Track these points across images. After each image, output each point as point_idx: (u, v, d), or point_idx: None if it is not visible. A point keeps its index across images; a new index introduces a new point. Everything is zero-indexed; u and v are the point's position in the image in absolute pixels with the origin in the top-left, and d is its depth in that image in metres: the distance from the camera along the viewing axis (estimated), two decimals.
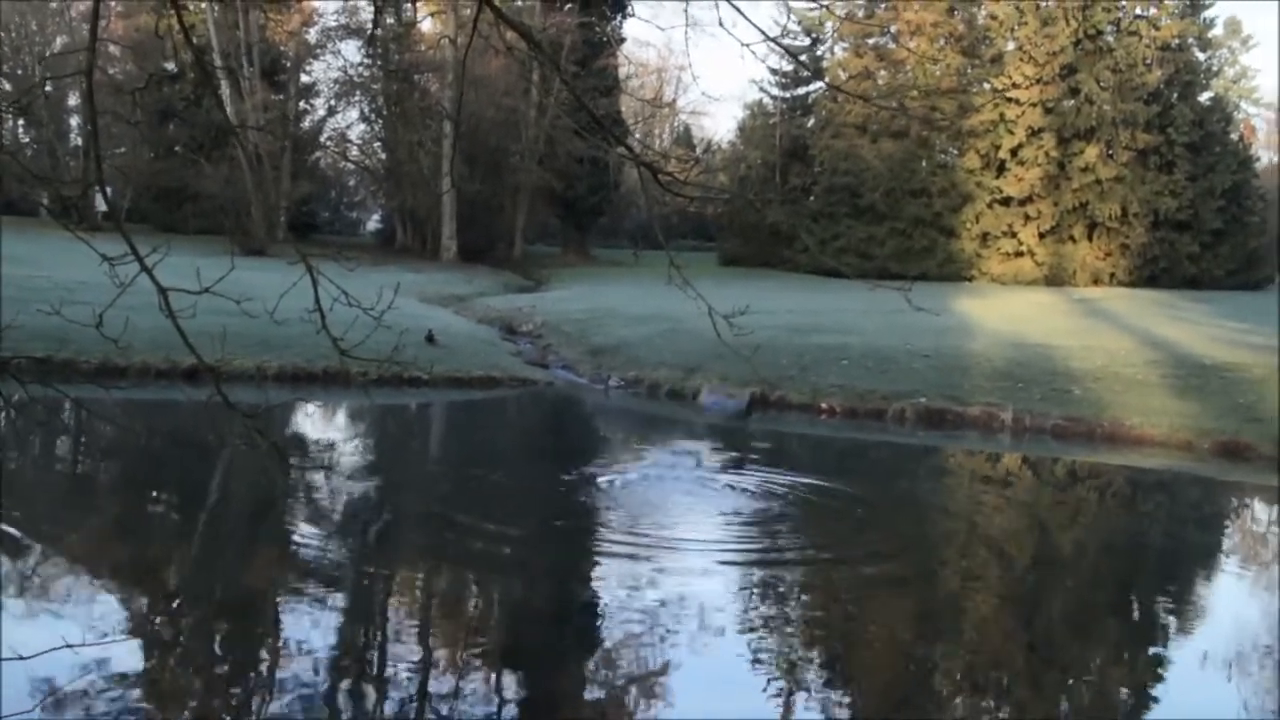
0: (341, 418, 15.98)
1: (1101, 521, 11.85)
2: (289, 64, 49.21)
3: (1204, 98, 46.54)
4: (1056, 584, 8.81)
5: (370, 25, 45.73)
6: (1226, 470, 13.67)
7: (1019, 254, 45.15)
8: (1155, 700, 6.39)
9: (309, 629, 6.68)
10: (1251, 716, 6.15)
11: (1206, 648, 7.13)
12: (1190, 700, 6.36)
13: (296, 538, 8.83)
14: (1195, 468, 13.80)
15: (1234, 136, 47.29)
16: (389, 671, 6.25)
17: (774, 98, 53.48)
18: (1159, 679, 6.72)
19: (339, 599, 7.35)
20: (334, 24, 49.72)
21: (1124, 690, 6.57)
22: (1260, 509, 12.91)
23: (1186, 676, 6.72)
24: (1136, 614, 8.17)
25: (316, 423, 15.40)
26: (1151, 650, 7.27)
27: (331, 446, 13.50)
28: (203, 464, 11.62)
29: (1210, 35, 49.47)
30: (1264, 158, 68.72)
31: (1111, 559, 9.88)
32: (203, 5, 45.00)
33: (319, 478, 11.02)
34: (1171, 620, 7.97)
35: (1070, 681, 6.62)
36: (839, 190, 47.23)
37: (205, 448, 12.03)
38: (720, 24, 3.90)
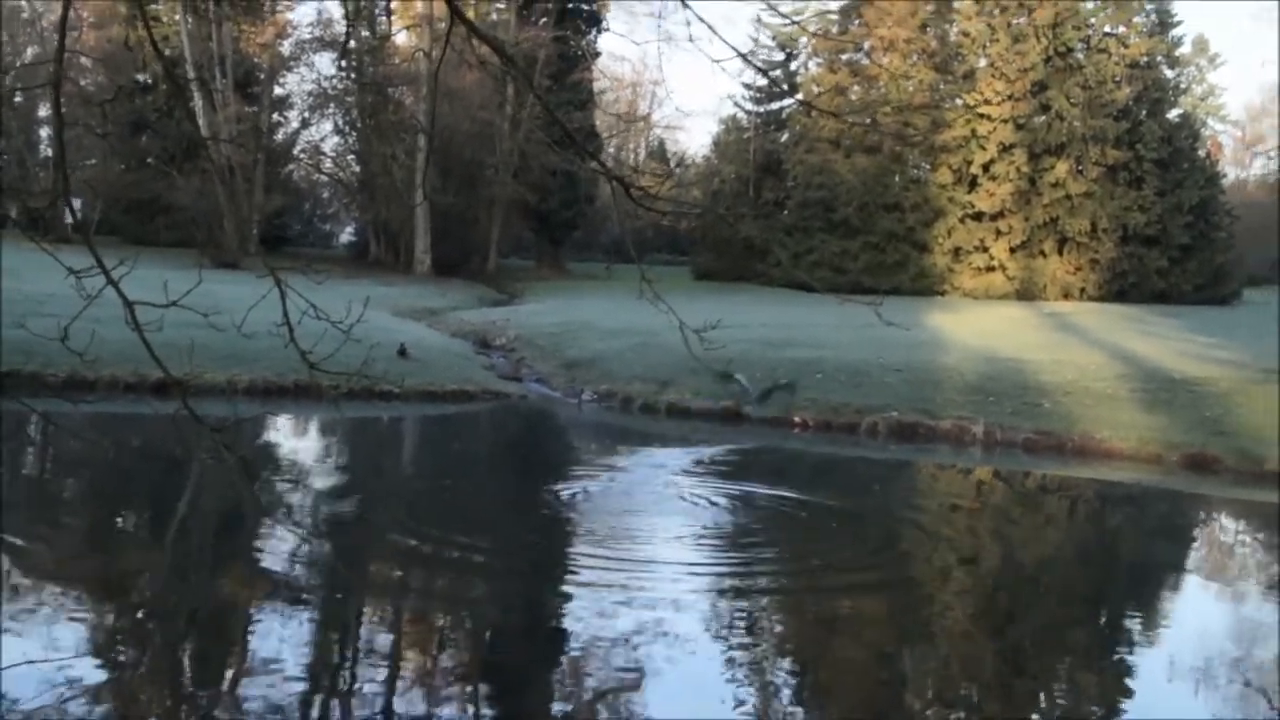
0: (311, 432, 15.90)
1: (1071, 535, 11.93)
2: (263, 76, 49.03)
3: (1172, 115, 47.08)
4: (1027, 596, 8.86)
5: (344, 38, 45.59)
6: (1194, 483, 13.79)
7: (990, 269, 45.47)
8: (1124, 710, 6.43)
9: (274, 646, 6.61)
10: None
11: (1174, 657, 7.18)
12: (1159, 709, 6.40)
13: (262, 554, 8.75)
14: (1164, 481, 13.92)
15: (1201, 153, 47.84)
16: (354, 687, 6.20)
17: (748, 112, 53.72)
18: (1128, 689, 6.76)
19: (304, 616, 7.28)
20: (308, 36, 49.64)
21: (1094, 702, 6.60)
22: (1228, 522, 13.03)
23: (1155, 686, 6.77)
24: (1105, 626, 8.22)
25: (285, 437, 15.31)
26: (1120, 660, 7.31)
27: (300, 461, 13.41)
28: (169, 479, 11.51)
29: (1178, 53, 50.10)
30: (1230, 174, 69.62)
31: (1081, 572, 9.95)
32: (176, 17, 44.81)
33: (286, 492, 10.92)
34: (1140, 631, 8.02)
35: (1042, 694, 6.66)
36: (812, 204, 47.43)
37: (173, 462, 11.93)
38: (691, 40, 3.92)
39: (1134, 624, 8.30)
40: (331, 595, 7.88)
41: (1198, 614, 8.53)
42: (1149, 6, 46.72)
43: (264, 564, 8.43)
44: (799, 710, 6.29)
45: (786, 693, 6.47)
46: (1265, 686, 6.79)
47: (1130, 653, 7.51)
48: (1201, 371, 18.89)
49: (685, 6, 4.05)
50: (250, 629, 7.06)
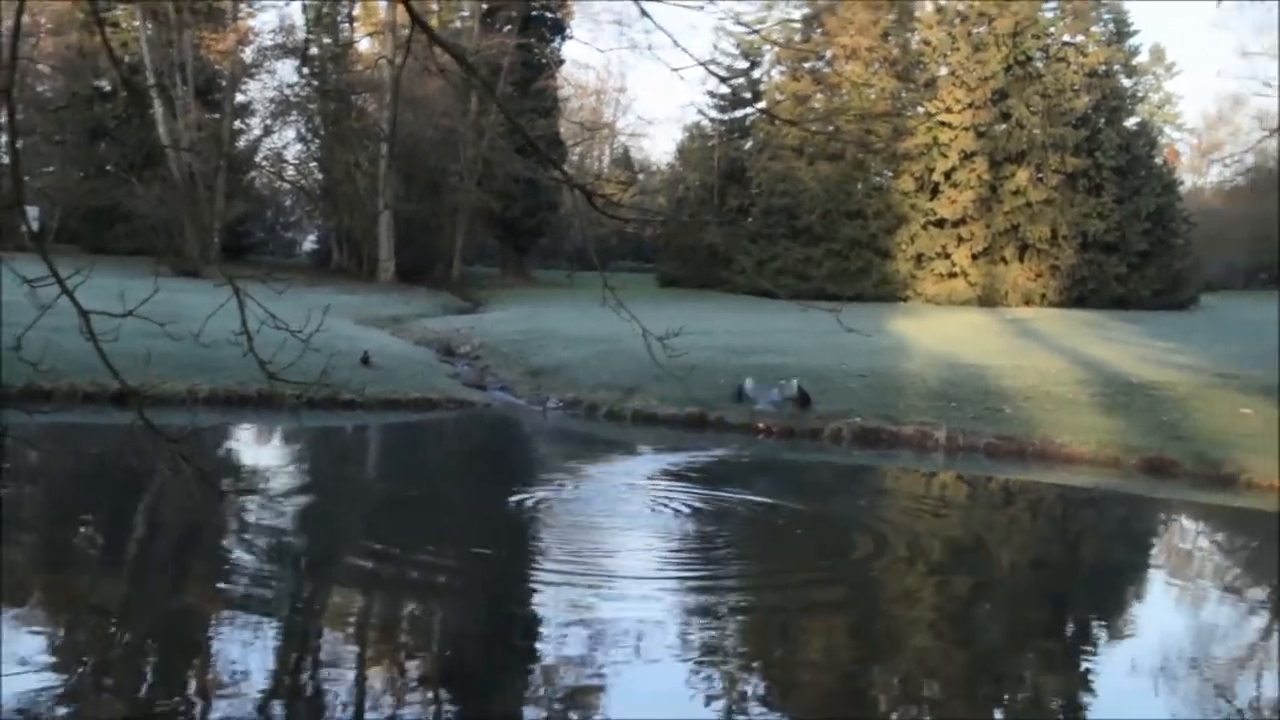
0: (272, 442, 15.77)
1: (1032, 538, 12.04)
2: (224, 83, 48.64)
3: (1130, 123, 47.70)
4: (990, 599, 8.92)
5: (304, 44, 45.33)
6: (1153, 487, 13.95)
7: (952, 275, 45.83)
8: (1086, 708, 6.50)
9: (235, 658, 6.55)
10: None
11: (1134, 658, 7.26)
12: (1121, 708, 6.47)
13: (222, 565, 8.65)
14: (1122, 484, 14.08)
15: (1159, 161, 48.52)
16: (307, 702, 6.16)
17: (712, 120, 53.85)
18: (1090, 688, 6.82)
19: (264, 627, 7.21)
20: (270, 43, 49.34)
21: (1057, 700, 6.66)
22: (1188, 524, 13.18)
23: (1116, 685, 6.83)
24: (1067, 627, 8.29)
25: (245, 447, 15.18)
26: (1082, 661, 7.37)
27: (258, 472, 13.26)
28: (127, 490, 11.36)
29: (1135, 62, 50.78)
30: (1187, 181, 70.61)
31: (1040, 574, 10.04)
32: (136, 23, 44.37)
33: (244, 503, 10.76)
34: (1101, 632, 8.10)
35: (1005, 695, 6.71)
36: (776, 212, 47.62)
37: (131, 474, 11.77)
38: (650, 49, 3.93)
39: (1095, 625, 8.38)
40: (287, 609, 7.79)
41: (1158, 615, 8.62)
42: (1106, 16, 47.37)
43: (220, 579, 8.32)
44: (764, 709, 6.31)
45: (750, 689, 6.49)
46: (1224, 685, 6.88)
47: (1093, 653, 7.58)
48: (1159, 376, 19.14)
49: (644, 15, 4.06)
50: (206, 642, 6.99)
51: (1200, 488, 13.76)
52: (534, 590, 8.51)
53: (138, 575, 8.58)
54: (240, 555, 8.87)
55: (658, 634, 7.22)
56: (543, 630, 7.48)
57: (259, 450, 15.13)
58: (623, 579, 8.61)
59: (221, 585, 8.06)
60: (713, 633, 7.49)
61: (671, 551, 9.68)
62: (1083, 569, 10.40)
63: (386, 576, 8.51)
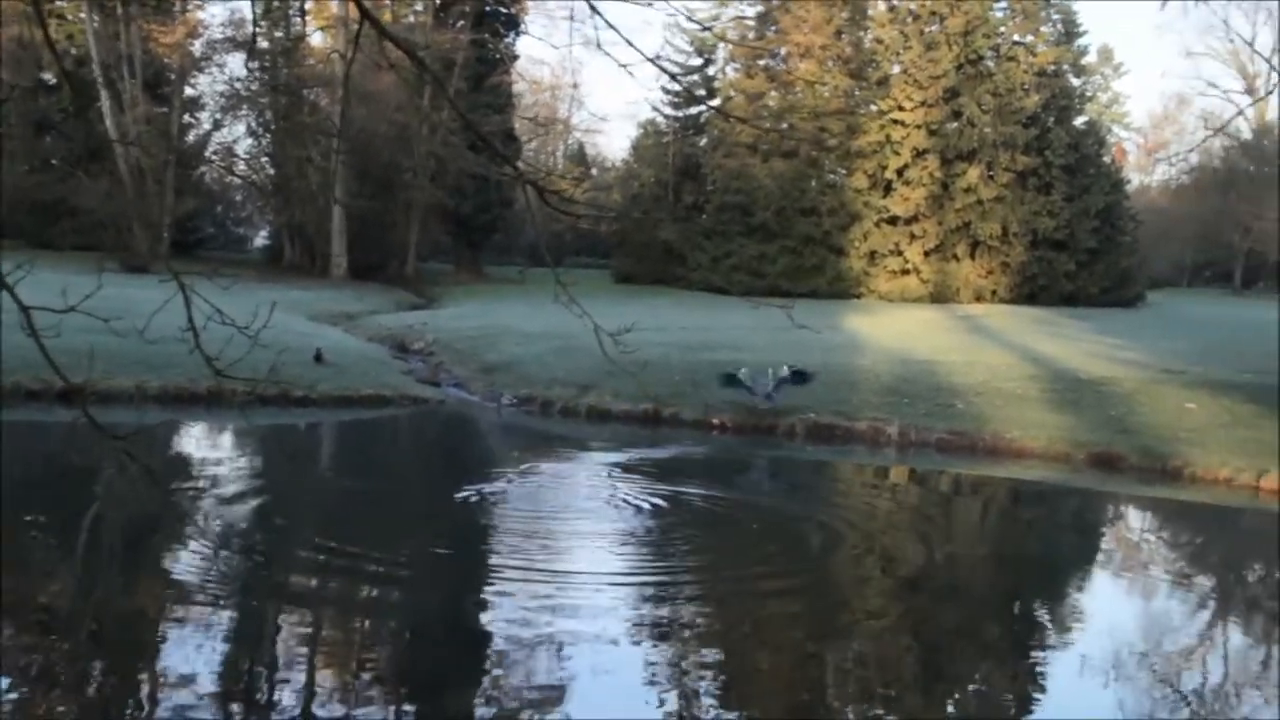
0: (220, 439, 15.56)
1: (981, 532, 12.17)
2: (173, 76, 47.94)
3: (1079, 122, 48.35)
4: (942, 592, 9.00)
5: (252, 38, 44.77)
6: (1101, 481, 14.15)
7: (905, 272, 46.23)
8: (1037, 701, 6.58)
9: (180, 661, 6.46)
10: (1129, 717, 6.37)
11: (1085, 651, 7.35)
12: (1071, 702, 6.55)
13: (166, 565, 8.54)
14: (1072, 479, 14.26)
15: (1107, 159, 49.25)
16: (258, 699, 6.10)
17: (667, 117, 53.91)
18: (1040, 683, 6.91)
19: (212, 629, 7.12)
20: (220, 36, 48.65)
21: (1008, 693, 6.73)
22: (1134, 518, 13.38)
23: (1067, 679, 6.92)
24: (1017, 619, 8.39)
25: (193, 444, 14.99)
26: (1033, 654, 7.46)
27: (205, 469, 13.06)
28: (70, 489, 11.16)
29: (1084, 62, 51.50)
30: (1134, 180, 71.73)
31: (989, 567, 10.15)
32: (82, 15, 43.62)
33: (190, 502, 10.59)
34: (1050, 625, 8.20)
35: (956, 693, 6.77)
36: (731, 208, 47.77)
37: (75, 472, 11.58)
38: (599, 46, 3.92)
39: (1043, 617, 8.48)
40: (238, 606, 7.71)
41: (1106, 607, 8.74)
42: (1055, 17, 47.96)
43: (171, 575, 8.22)
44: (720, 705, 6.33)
45: (706, 682, 6.51)
46: (1170, 675, 6.99)
47: (1040, 647, 7.67)
48: (1107, 372, 19.44)
49: (594, 12, 4.05)
50: (155, 642, 6.89)
51: (1147, 481, 13.99)
52: (488, 586, 8.48)
53: (75, 577, 8.41)
54: (183, 553, 8.75)
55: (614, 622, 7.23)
56: (499, 626, 7.45)
57: (202, 448, 14.92)
58: (577, 576, 8.59)
59: (162, 584, 7.95)
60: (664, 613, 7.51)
61: (626, 550, 9.68)
62: (1031, 561, 10.51)
63: (332, 577, 8.42)
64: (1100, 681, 6.89)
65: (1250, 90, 64.88)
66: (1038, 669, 7.20)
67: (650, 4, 4.11)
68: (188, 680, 6.07)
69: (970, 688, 6.89)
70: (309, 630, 7.40)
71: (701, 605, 8.12)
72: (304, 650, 6.95)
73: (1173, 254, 67.45)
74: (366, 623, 7.62)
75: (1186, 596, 9.24)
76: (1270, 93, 61.26)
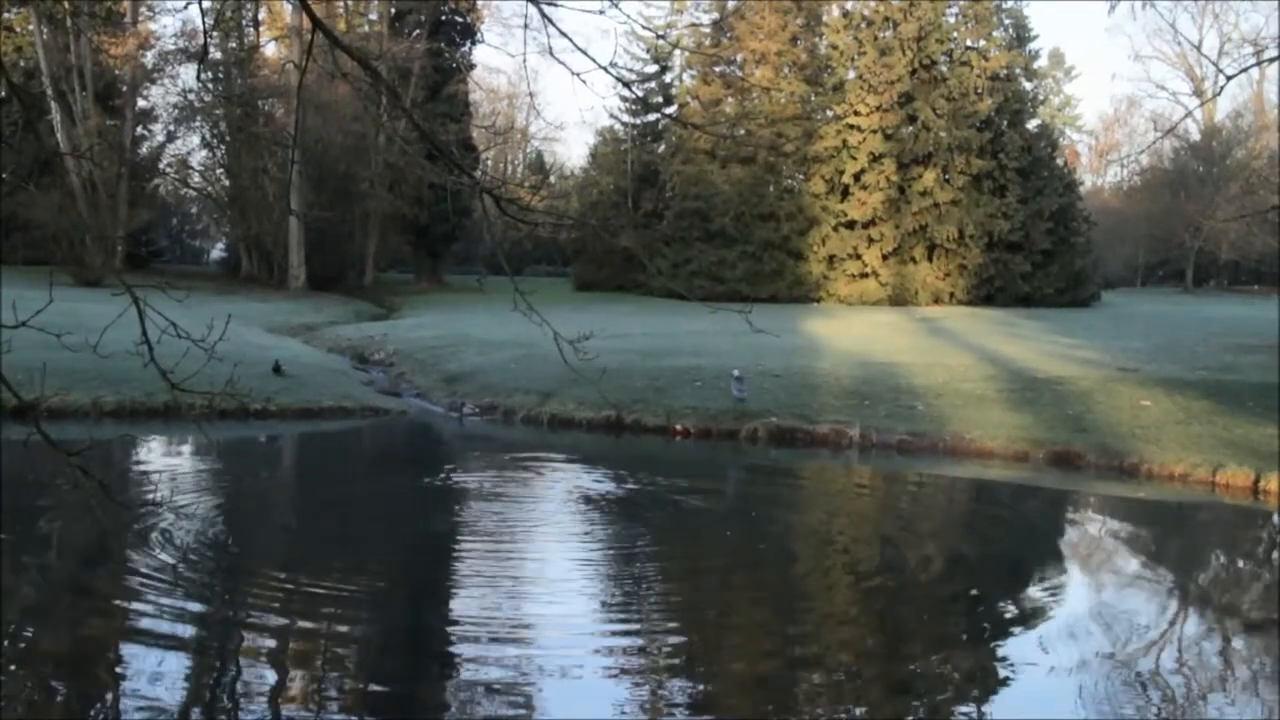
0: (179, 454, 15.36)
1: (948, 530, 12.25)
2: (124, 88, 47.43)
3: (1031, 125, 48.94)
4: (904, 589, 9.06)
5: (203, 49, 44.35)
6: (1060, 479, 14.29)
7: (864, 275, 46.55)
8: (998, 694, 6.63)
9: (130, 682, 6.37)
10: (1089, 715, 6.43)
11: (1046, 645, 7.42)
12: (1034, 695, 6.62)
13: (121, 584, 8.41)
14: (1031, 477, 14.40)
15: (1060, 161, 49.90)
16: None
17: (624, 124, 54.01)
18: (1003, 678, 6.96)
19: (158, 651, 6.99)
20: (172, 47, 48.19)
21: (971, 687, 6.78)
22: (1093, 515, 13.51)
23: (1029, 675, 6.98)
24: (976, 614, 8.45)
25: (150, 460, 14.77)
26: (995, 649, 7.52)
27: (159, 485, 12.81)
28: (18, 507, 10.93)
29: (1036, 66, 52.16)
30: (1087, 181, 72.74)
31: (950, 566, 10.22)
32: (30, 27, 43.06)
33: (145, 518, 10.40)
34: (1012, 620, 8.26)
35: (922, 692, 6.81)
36: (690, 215, 47.91)
37: (24, 489, 11.36)
38: (551, 53, 3.93)
39: (1006, 610, 8.54)
40: (187, 628, 7.59)
41: (1066, 604, 8.82)
42: (1007, 21, 48.52)
43: (119, 601, 8.08)
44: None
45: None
46: (1131, 669, 7.07)
47: (1003, 643, 7.73)
48: (1064, 371, 19.67)
49: (547, 21, 4.06)
50: (111, 667, 6.80)
51: (1104, 478, 14.15)
52: (455, 606, 8.44)
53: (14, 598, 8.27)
54: (140, 575, 8.63)
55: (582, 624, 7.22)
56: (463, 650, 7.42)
57: (163, 464, 14.72)
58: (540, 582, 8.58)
59: (115, 601, 7.84)
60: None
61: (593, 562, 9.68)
62: (993, 558, 10.59)
63: (289, 592, 8.34)
64: (1063, 678, 6.94)
65: (1198, 92, 65.98)
66: (1000, 659, 7.25)
67: (602, 12, 4.12)
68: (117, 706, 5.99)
69: (935, 679, 6.92)
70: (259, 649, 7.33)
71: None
72: (258, 670, 6.89)
73: (1126, 254, 68.44)
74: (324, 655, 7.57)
75: (1146, 592, 9.35)
76: (1217, 94, 62.29)
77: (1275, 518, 12.37)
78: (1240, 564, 10.97)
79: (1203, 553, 11.36)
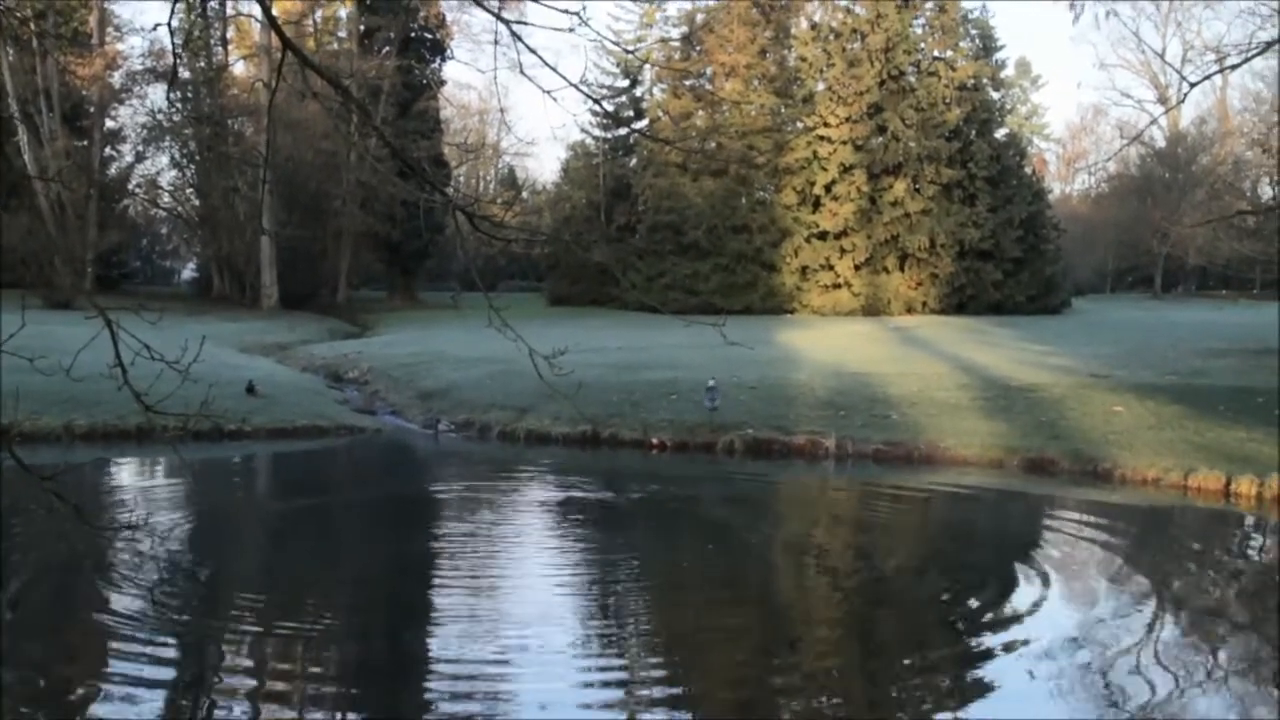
0: (150, 477, 15.22)
1: (924, 538, 12.31)
2: (92, 109, 47.14)
3: (999, 134, 49.41)
4: (882, 597, 9.09)
5: (173, 68, 44.22)
6: (1034, 485, 14.39)
7: (837, 286, 46.77)
8: (980, 696, 6.65)
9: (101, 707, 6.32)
10: (1072, 718, 6.47)
11: (1023, 648, 7.46)
12: (1013, 698, 6.65)
13: (91, 608, 8.33)
14: (1007, 484, 14.48)
15: (1028, 170, 50.36)
16: None
17: (596, 138, 54.10)
18: (980, 679, 7.00)
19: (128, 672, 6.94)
20: (140, 68, 47.98)
21: (948, 683, 6.80)
22: (1070, 521, 13.58)
23: (1011, 681, 7.01)
24: (951, 618, 8.48)
25: (122, 483, 14.62)
26: (973, 651, 7.55)
27: (132, 508, 12.70)
28: None
29: (1003, 76, 52.68)
30: (1055, 189, 73.42)
31: (933, 573, 10.26)
32: None
33: (116, 542, 10.27)
34: (989, 624, 8.30)
35: (897, 694, 6.84)
36: (663, 228, 48.03)
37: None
38: (521, 70, 3.95)
39: (983, 614, 8.58)
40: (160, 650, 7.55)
41: (1045, 610, 8.86)
42: (974, 32, 48.98)
43: (95, 617, 8.03)
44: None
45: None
46: (1107, 672, 7.11)
47: (979, 647, 7.76)
48: (1037, 378, 19.81)
49: (516, 38, 4.08)
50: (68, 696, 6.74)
51: (1078, 484, 14.25)
52: (431, 626, 8.41)
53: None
54: (111, 595, 8.57)
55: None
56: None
57: (135, 487, 14.58)
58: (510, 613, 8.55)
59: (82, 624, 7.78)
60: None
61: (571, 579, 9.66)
62: (970, 565, 10.64)
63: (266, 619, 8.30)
64: (1043, 681, 6.97)
65: (1163, 100, 66.77)
66: (979, 658, 7.29)
67: (572, 29, 4.15)
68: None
69: (913, 683, 6.94)
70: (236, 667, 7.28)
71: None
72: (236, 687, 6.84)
73: (1095, 261, 69.07)
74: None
75: (1120, 595, 9.42)
76: (1181, 102, 63.08)
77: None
78: (1213, 566, 11.05)
79: (1177, 554, 11.44)
